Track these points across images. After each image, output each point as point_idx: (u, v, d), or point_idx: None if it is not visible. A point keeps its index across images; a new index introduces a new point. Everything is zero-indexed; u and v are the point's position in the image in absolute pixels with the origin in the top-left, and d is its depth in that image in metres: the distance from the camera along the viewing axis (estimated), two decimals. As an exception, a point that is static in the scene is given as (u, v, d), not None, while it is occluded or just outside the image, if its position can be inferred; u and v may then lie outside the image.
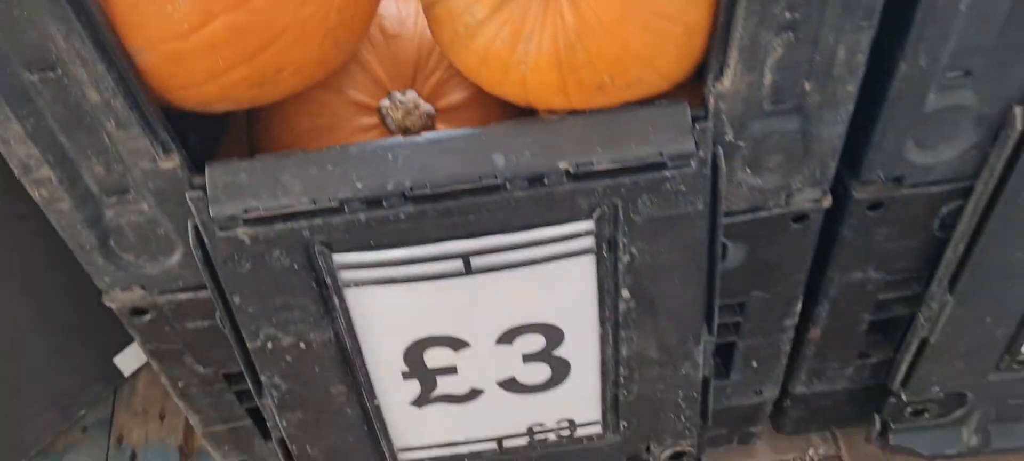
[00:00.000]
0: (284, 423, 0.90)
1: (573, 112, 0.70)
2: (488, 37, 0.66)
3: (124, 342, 1.08)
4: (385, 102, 0.81)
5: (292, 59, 0.67)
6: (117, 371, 1.10)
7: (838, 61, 0.67)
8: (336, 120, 0.80)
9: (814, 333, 0.97)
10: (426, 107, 0.81)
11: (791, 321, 0.94)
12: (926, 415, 1.04)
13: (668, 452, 1.01)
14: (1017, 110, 0.73)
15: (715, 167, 0.72)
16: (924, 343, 0.94)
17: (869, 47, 0.67)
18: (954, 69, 0.71)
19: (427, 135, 0.72)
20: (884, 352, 1.02)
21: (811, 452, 1.18)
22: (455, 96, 0.82)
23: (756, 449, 1.18)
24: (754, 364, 0.99)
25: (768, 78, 0.69)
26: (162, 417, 1.08)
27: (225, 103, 0.70)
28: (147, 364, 1.10)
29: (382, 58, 0.81)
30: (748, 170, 0.76)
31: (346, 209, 0.70)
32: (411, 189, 0.70)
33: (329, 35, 0.67)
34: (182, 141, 0.71)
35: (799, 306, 0.92)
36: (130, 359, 1.10)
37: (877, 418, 1.07)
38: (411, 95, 0.81)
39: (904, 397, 1.01)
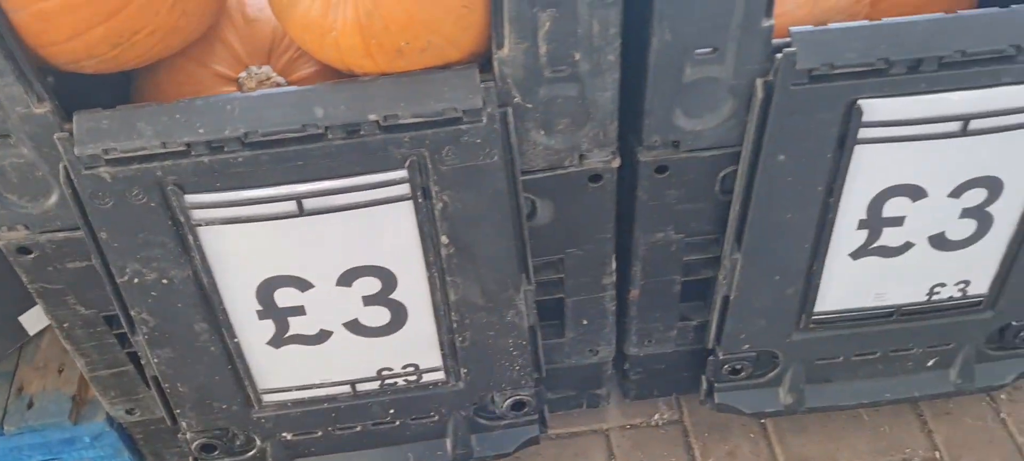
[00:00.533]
0: (155, 359, 1.01)
1: (383, 75, 0.84)
2: (305, 7, 0.80)
3: (29, 303, 1.19)
4: (243, 74, 0.94)
5: (145, 23, 0.81)
6: (23, 330, 1.21)
7: (595, 33, 0.82)
8: (200, 88, 0.94)
9: (634, 293, 1.10)
10: (278, 79, 0.95)
11: (609, 279, 1.07)
12: (743, 374, 1.17)
13: (509, 401, 1.13)
14: (758, 82, 0.88)
15: (505, 122, 0.86)
16: (726, 300, 1.08)
17: (619, 22, 0.81)
18: (703, 45, 0.86)
19: (260, 92, 0.85)
20: (703, 315, 1.15)
21: (657, 417, 1.30)
22: (304, 71, 0.96)
23: (607, 414, 1.30)
24: (585, 322, 1.12)
25: (543, 48, 0.83)
26: (60, 371, 1.19)
27: (92, 61, 0.83)
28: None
29: (242, 37, 0.95)
30: (542, 131, 0.90)
31: (192, 152, 0.84)
32: (245, 135, 0.83)
33: (177, 5, 0.81)
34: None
35: (613, 264, 1.05)
36: (34, 319, 1.21)
37: (703, 378, 1.19)
38: (265, 69, 0.95)
39: (720, 354, 1.14)
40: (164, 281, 0.93)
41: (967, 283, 1.08)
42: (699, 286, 1.12)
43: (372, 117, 0.83)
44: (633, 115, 0.93)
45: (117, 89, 0.98)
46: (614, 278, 1.07)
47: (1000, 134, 0.92)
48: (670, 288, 1.10)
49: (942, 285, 1.08)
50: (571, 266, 1.04)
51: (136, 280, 0.93)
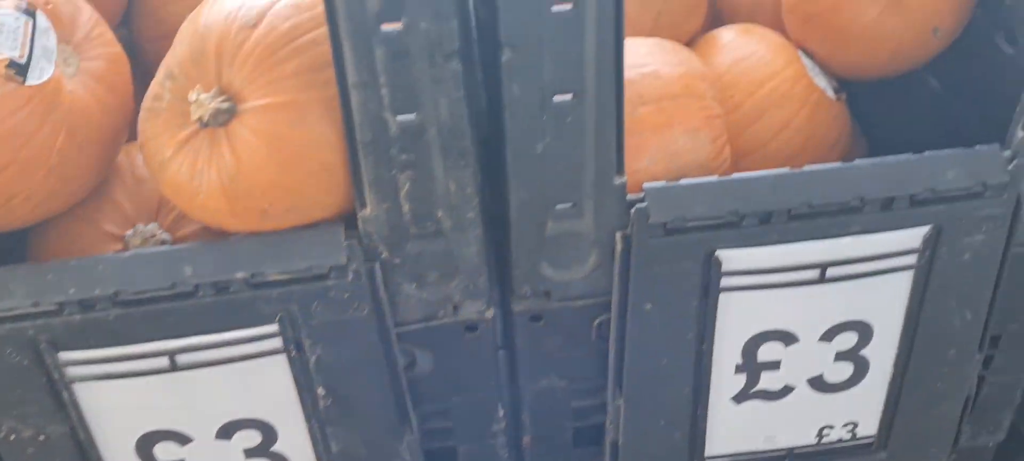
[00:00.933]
0: (36, 517, 1.00)
1: (251, 234, 0.88)
2: (174, 171, 0.84)
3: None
4: (129, 233, 0.98)
5: (20, 189, 0.84)
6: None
7: (453, 192, 0.86)
8: (88, 247, 0.97)
9: (526, 440, 1.11)
10: (164, 235, 0.98)
11: (499, 426, 1.08)
12: (644, 520, 1.16)
13: (404, 552, 1.11)
14: (618, 235, 0.91)
15: (372, 278, 0.89)
16: (615, 446, 1.08)
17: (475, 181, 0.86)
18: (563, 201, 0.90)
19: (133, 250, 0.88)
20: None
21: None
22: (190, 228, 0.99)
23: (516, 562, 1.28)
24: (479, 469, 1.12)
25: (405, 207, 0.87)
26: (-47, 528, 1.18)
27: (-32, 225, 0.86)
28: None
29: (131, 196, 0.99)
30: (413, 284, 0.93)
31: (64, 311, 0.86)
32: (116, 294, 0.85)
33: (53, 172, 0.85)
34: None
35: (501, 411, 1.06)
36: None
37: (604, 525, 1.18)
38: (152, 226, 0.98)
39: (618, 502, 1.14)
40: (41, 438, 0.94)
41: (855, 424, 1.09)
42: (593, 431, 1.12)
43: (240, 275, 0.86)
44: (505, 265, 0.96)
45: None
46: (504, 425, 1.08)
47: (858, 280, 0.95)
48: (563, 434, 1.10)
49: (830, 427, 1.09)
50: (459, 414, 1.05)
51: (13, 437, 0.93)
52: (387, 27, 0.75)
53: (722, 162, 0.99)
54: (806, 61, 1.13)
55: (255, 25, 0.79)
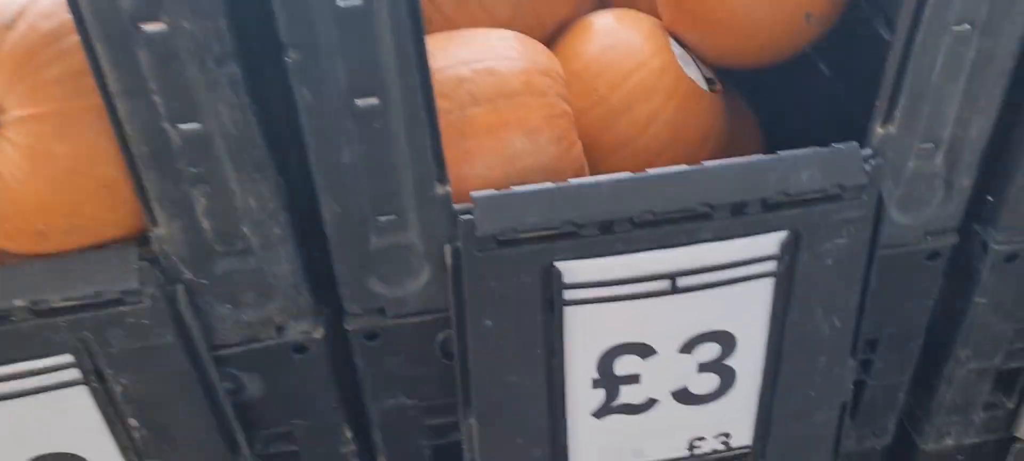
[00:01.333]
0: None
1: (35, 258, 0.79)
2: (-66, 190, 0.75)
3: None
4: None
5: None
6: None
7: (254, 208, 0.78)
8: None
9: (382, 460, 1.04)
10: (-40, 256, 0.90)
11: (347, 448, 1.00)
12: (513, 539, 1.10)
13: None
14: (446, 248, 0.84)
15: (173, 301, 0.81)
16: (474, 466, 1.02)
17: (277, 195, 0.78)
18: (383, 213, 0.82)
19: (-100, 279, 0.80)
20: (466, 479, 1.09)
21: None
22: (-9, 246, 0.91)
23: None
24: (334, 493, 1.06)
25: (206, 224, 0.79)
26: None
27: None
28: None
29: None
30: (228, 306, 0.85)
31: None
32: None
33: None
34: None
35: (347, 433, 0.99)
36: None
37: (475, 545, 1.12)
38: (-52, 246, 0.90)
39: (484, 521, 1.08)
40: None
41: (728, 435, 1.03)
42: (457, 448, 1.06)
43: (19, 303, 0.78)
44: (332, 284, 0.88)
45: None
46: (354, 447, 1.01)
47: (714, 289, 0.89)
48: (421, 453, 1.03)
49: (701, 439, 1.03)
50: (302, 438, 0.98)
51: None
52: (149, 28, 0.67)
53: (571, 163, 0.91)
54: (678, 50, 1.06)
55: (12, 25, 0.71)
